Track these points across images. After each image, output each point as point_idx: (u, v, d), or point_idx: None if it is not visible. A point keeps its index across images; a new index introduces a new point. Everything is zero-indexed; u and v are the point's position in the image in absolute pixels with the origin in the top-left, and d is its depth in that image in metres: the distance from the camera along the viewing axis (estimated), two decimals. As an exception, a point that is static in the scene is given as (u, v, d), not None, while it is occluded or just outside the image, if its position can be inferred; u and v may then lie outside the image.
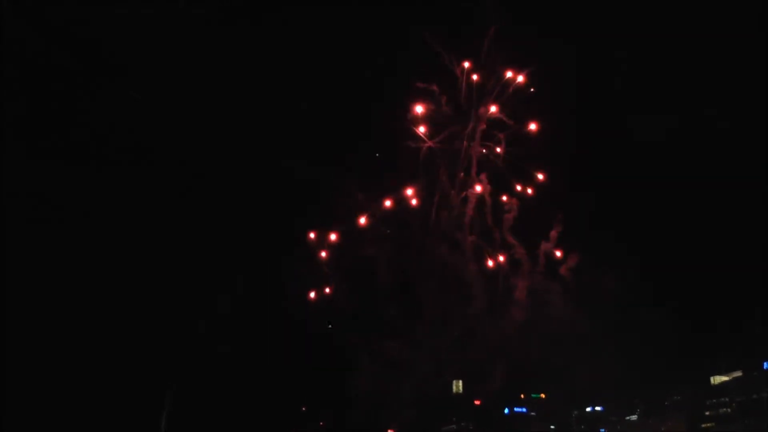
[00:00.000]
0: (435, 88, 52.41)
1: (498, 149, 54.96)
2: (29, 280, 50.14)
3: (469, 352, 58.30)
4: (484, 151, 54.88)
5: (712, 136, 60.11)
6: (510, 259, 57.91)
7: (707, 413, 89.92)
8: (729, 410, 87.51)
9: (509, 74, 52.27)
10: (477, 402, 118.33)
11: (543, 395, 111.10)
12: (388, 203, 55.16)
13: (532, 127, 53.52)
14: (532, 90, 53.10)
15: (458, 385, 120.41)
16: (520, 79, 52.59)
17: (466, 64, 52.21)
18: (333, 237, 56.07)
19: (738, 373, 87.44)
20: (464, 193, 55.81)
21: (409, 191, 54.71)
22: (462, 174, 55.84)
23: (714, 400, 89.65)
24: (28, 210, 49.82)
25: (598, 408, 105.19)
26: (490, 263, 57.22)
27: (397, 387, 59.76)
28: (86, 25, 47.55)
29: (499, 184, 56.35)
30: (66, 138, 50.98)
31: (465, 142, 54.30)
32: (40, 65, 47.32)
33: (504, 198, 56.38)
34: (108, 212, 54.71)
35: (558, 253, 58.47)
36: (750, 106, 56.76)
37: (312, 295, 57.36)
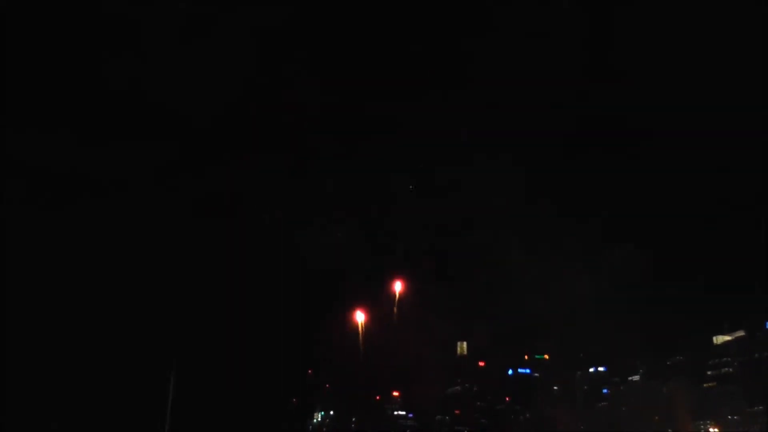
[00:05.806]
0: None
1: None
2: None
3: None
4: None
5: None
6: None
7: (709, 373, 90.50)
8: (731, 370, 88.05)
9: None
10: (481, 363, 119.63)
11: (546, 356, 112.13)
12: None
13: None
14: None
15: (462, 347, 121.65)
16: None
17: None
18: None
19: (740, 333, 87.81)
20: None
21: None
22: None
23: (716, 360, 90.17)
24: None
25: (601, 369, 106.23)
26: None
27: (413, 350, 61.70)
28: None
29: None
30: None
31: None
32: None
33: None
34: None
35: None
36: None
37: None
